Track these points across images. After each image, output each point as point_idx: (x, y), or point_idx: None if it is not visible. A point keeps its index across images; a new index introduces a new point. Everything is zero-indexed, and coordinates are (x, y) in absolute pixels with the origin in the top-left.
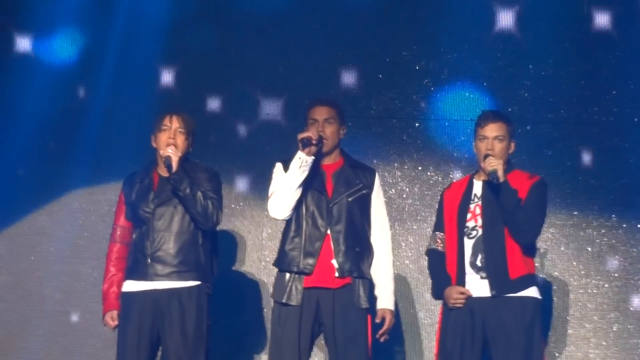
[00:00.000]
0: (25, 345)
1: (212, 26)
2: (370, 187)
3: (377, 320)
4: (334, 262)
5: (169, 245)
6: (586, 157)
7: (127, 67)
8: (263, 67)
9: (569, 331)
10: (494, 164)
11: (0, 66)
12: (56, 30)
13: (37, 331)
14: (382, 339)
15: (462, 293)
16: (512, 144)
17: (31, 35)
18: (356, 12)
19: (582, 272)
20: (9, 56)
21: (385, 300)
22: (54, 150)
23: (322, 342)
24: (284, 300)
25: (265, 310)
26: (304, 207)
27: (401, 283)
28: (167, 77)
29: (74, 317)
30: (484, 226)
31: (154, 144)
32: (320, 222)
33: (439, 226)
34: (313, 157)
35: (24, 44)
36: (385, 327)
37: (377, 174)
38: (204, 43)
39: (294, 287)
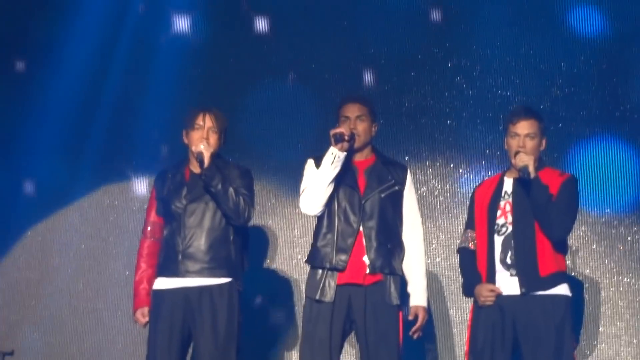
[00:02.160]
0: (55, 341)
1: (240, 22)
2: (402, 183)
3: (410, 317)
4: (366, 258)
5: (200, 242)
6: (618, 155)
7: (158, 61)
8: (295, 64)
9: (600, 329)
10: (525, 160)
11: (27, 61)
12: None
13: (67, 328)
14: (415, 336)
15: (492, 290)
16: (544, 141)
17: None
18: (388, 8)
19: (614, 269)
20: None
21: (418, 296)
22: (86, 146)
23: (354, 339)
24: (317, 297)
25: (296, 307)
26: (335, 203)
27: (432, 280)
28: (197, 71)
29: (105, 314)
30: (514, 222)
31: (185, 141)
32: (352, 218)
33: (470, 224)
34: (345, 153)
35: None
36: (418, 324)
37: (409, 171)
38: (236, 41)
39: (327, 284)
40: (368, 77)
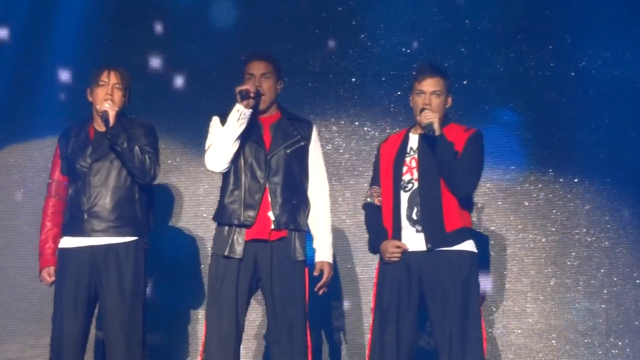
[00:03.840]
0: None
1: None
2: (308, 138)
3: (316, 273)
4: (271, 214)
5: (105, 201)
6: (523, 112)
7: (62, 18)
8: (197, 21)
9: (507, 286)
10: (430, 117)
11: None
12: None
13: None
14: (320, 292)
15: (398, 247)
16: (449, 99)
17: None
18: None
19: (519, 226)
20: None
21: (323, 252)
22: None
23: (260, 297)
24: (226, 253)
25: (202, 265)
26: (242, 160)
27: (338, 238)
28: (103, 29)
29: (10, 273)
30: (419, 179)
31: (89, 98)
32: (259, 173)
33: (375, 180)
34: (251, 110)
35: None
36: (323, 280)
37: (314, 127)
38: (141, 4)
39: (235, 240)
40: (272, 35)
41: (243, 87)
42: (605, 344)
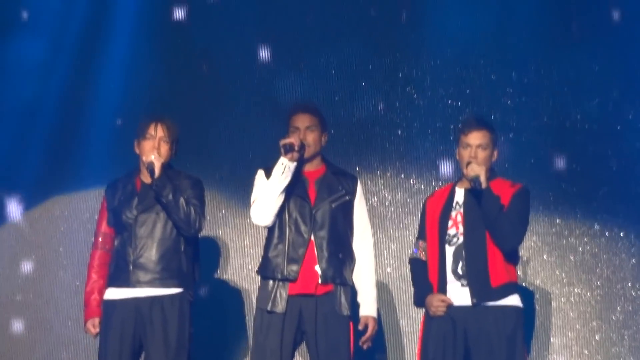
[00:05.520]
0: (5, 351)
1: (194, 39)
2: (352, 193)
3: (360, 327)
4: (317, 268)
5: (151, 252)
6: (569, 165)
7: (111, 71)
8: (246, 73)
9: (551, 340)
10: (477, 170)
11: None
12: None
13: (17, 338)
14: (365, 346)
15: (443, 301)
16: (495, 152)
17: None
18: (338, 18)
19: (565, 280)
20: None
21: (368, 307)
22: (35, 157)
23: (304, 349)
24: (269, 308)
25: (247, 317)
26: (286, 214)
27: (383, 291)
28: (150, 82)
29: (55, 324)
30: (465, 233)
31: (137, 151)
32: (303, 228)
33: (421, 234)
34: (295, 163)
35: None
36: (368, 334)
37: (359, 181)
38: (184, 53)
39: (278, 294)
40: (318, 86)
41: (287, 141)
42: None
